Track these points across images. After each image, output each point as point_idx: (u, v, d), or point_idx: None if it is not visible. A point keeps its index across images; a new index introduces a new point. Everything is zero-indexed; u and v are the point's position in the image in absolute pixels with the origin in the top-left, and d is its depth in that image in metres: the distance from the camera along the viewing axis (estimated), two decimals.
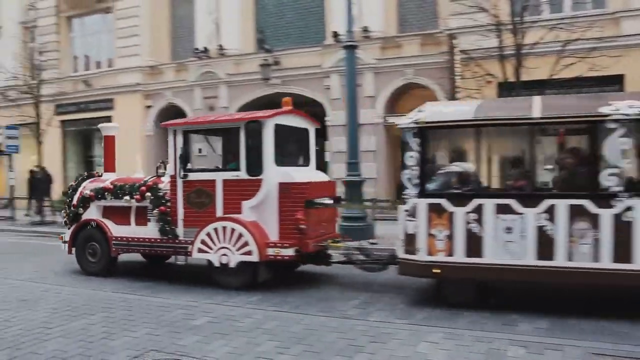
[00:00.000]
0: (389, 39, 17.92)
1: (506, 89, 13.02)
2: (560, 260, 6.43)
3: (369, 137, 17.78)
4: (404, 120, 7.16)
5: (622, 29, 14.48)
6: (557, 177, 7.15)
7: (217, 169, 8.88)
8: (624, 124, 6.21)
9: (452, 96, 15.42)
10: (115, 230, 9.26)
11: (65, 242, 9.77)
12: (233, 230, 8.05)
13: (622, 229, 6.21)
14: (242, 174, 8.17)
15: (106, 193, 9.42)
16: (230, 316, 6.70)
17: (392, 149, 18.03)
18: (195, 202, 8.47)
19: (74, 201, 9.74)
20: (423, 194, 6.98)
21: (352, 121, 12.93)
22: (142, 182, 9.17)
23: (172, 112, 21.01)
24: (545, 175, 7.48)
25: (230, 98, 20.31)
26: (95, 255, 9.41)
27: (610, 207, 6.25)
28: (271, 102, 16.52)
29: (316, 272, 9.22)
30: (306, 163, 9.30)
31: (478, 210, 6.74)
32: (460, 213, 6.81)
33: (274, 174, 8.08)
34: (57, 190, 19.13)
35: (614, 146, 6.25)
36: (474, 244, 6.75)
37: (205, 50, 20.61)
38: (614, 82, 14.09)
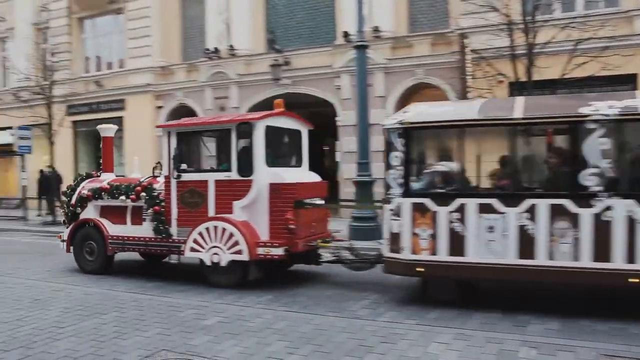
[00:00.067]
0: (400, 39, 18.12)
1: (517, 88, 13.17)
2: (541, 259, 6.68)
3: (380, 137, 17.93)
4: (388, 121, 7.47)
5: (636, 27, 14.50)
6: (540, 177, 7.40)
7: (210, 170, 9.26)
8: (604, 125, 6.44)
9: (463, 96, 15.55)
10: (112, 229, 9.72)
11: (63, 241, 10.26)
12: (224, 229, 8.42)
13: (602, 228, 6.44)
14: (234, 175, 8.55)
15: (103, 193, 9.89)
16: (241, 316, 6.91)
17: None
18: (189, 202, 8.86)
19: (73, 201, 10.24)
20: (407, 193, 7.27)
21: (363, 121, 13.25)
22: (138, 182, 9.62)
23: (183, 112, 21.38)
24: (529, 174, 7.69)
25: (241, 98, 20.70)
26: (93, 254, 9.89)
27: (590, 206, 6.48)
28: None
29: (326, 272, 9.48)
30: (298, 164, 9.65)
31: (461, 209, 7.02)
32: (443, 212, 7.09)
33: (264, 175, 8.43)
34: None
35: (594, 146, 6.48)
36: (457, 243, 7.03)
37: (216, 50, 21.00)
38: (627, 82, 14.14)
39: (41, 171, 20.28)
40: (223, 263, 8.44)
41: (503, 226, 6.82)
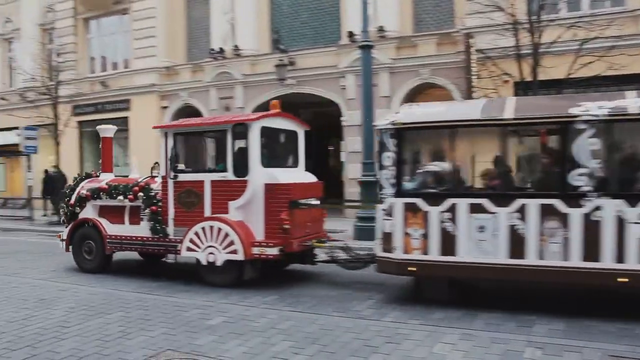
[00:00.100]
0: (405, 39, 18.26)
1: (523, 88, 13.30)
2: (531, 258, 6.80)
3: None
4: (381, 122, 7.63)
5: None
6: (530, 177, 7.53)
7: (207, 170, 9.45)
8: (593, 125, 6.56)
9: (468, 96, 15.64)
10: (110, 229, 9.94)
11: (63, 240, 10.50)
12: (220, 229, 8.61)
13: (591, 228, 6.55)
14: (229, 175, 8.74)
15: (102, 193, 10.11)
16: (246, 316, 6.99)
17: None
18: (185, 202, 9.07)
19: (72, 200, 10.46)
20: (399, 193, 7.43)
21: (368, 121, 13.42)
22: (135, 182, 9.84)
23: (188, 112, 21.68)
24: (519, 174, 7.82)
25: (246, 98, 20.92)
26: (91, 253, 10.10)
27: (580, 206, 6.60)
28: (287, 102, 16.94)
29: (330, 272, 9.59)
30: (295, 165, 9.82)
31: (452, 209, 7.15)
32: (434, 212, 7.23)
33: (259, 175, 8.62)
34: None
35: (584, 147, 6.59)
36: (448, 243, 7.17)
37: (221, 50, 21.25)
38: (634, 81, 14.12)
39: (46, 171, 20.58)
40: (218, 262, 8.63)
41: (494, 226, 6.94)
